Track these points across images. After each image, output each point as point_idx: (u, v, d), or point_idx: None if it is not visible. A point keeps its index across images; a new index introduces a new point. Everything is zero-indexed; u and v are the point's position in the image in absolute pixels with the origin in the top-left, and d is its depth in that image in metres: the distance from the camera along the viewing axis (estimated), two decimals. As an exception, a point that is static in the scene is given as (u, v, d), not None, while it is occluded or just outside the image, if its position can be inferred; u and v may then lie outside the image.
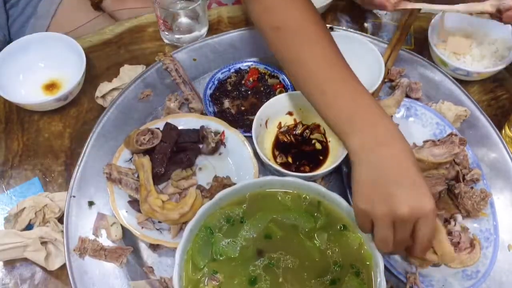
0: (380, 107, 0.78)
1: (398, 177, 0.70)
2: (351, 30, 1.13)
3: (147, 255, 0.89)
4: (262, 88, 1.05)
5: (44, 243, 0.88)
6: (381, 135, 0.74)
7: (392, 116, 0.99)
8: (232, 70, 1.08)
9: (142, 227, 0.87)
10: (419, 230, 0.70)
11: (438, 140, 0.90)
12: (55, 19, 1.27)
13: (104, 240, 0.88)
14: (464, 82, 1.08)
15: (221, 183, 0.90)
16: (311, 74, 0.83)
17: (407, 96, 1.04)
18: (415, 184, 0.70)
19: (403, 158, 0.72)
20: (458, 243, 0.83)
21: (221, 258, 0.76)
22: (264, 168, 0.95)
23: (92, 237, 0.88)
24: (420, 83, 1.05)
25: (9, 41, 1.24)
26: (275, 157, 0.96)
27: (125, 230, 0.89)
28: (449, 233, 0.84)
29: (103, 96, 1.06)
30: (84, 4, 1.31)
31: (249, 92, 1.05)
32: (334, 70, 0.82)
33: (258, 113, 0.94)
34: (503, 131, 1.02)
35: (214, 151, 0.95)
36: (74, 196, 0.91)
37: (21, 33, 1.25)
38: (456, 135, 0.90)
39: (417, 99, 1.04)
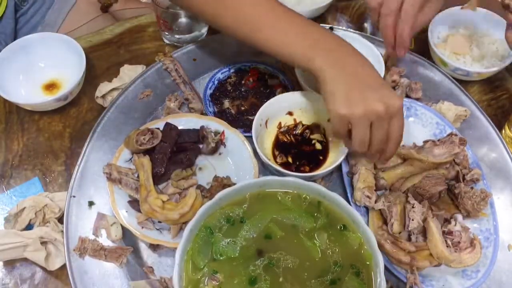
0: (328, 31, 0.89)
1: (369, 82, 0.81)
2: (351, 30, 1.13)
3: (147, 255, 0.89)
4: (262, 88, 1.05)
5: (44, 243, 0.88)
6: (341, 51, 0.84)
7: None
8: (232, 70, 1.08)
9: (142, 227, 0.87)
10: (393, 126, 0.81)
11: (438, 140, 0.90)
12: (62, 28, 1.27)
13: (104, 240, 0.88)
14: (464, 82, 1.08)
15: (221, 183, 0.90)
16: (255, 21, 0.87)
17: (407, 96, 1.04)
18: (383, 86, 0.81)
19: (367, 66, 0.83)
20: (459, 242, 0.83)
21: (221, 258, 0.76)
22: (264, 168, 0.95)
23: (92, 237, 0.88)
24: (420, 83, 1.05)
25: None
26: (275, 157, 0.96)
27: (125, 230, 0.88)
28: (450, 233, 0.84)
29: (103, 96, 1.06)
30: (91, 15, 1.31)
31: (249, 92, 1.05)
32: (279, 13, 0.87)
33: (258, 113, 0.94)
34: (503, 131, 1.02)
35: (214, 151, 0.95)
36: (74, 196, 0.91)
37: None
38: (456, 135, 0.90)
39: (417, 99, 1.04)
